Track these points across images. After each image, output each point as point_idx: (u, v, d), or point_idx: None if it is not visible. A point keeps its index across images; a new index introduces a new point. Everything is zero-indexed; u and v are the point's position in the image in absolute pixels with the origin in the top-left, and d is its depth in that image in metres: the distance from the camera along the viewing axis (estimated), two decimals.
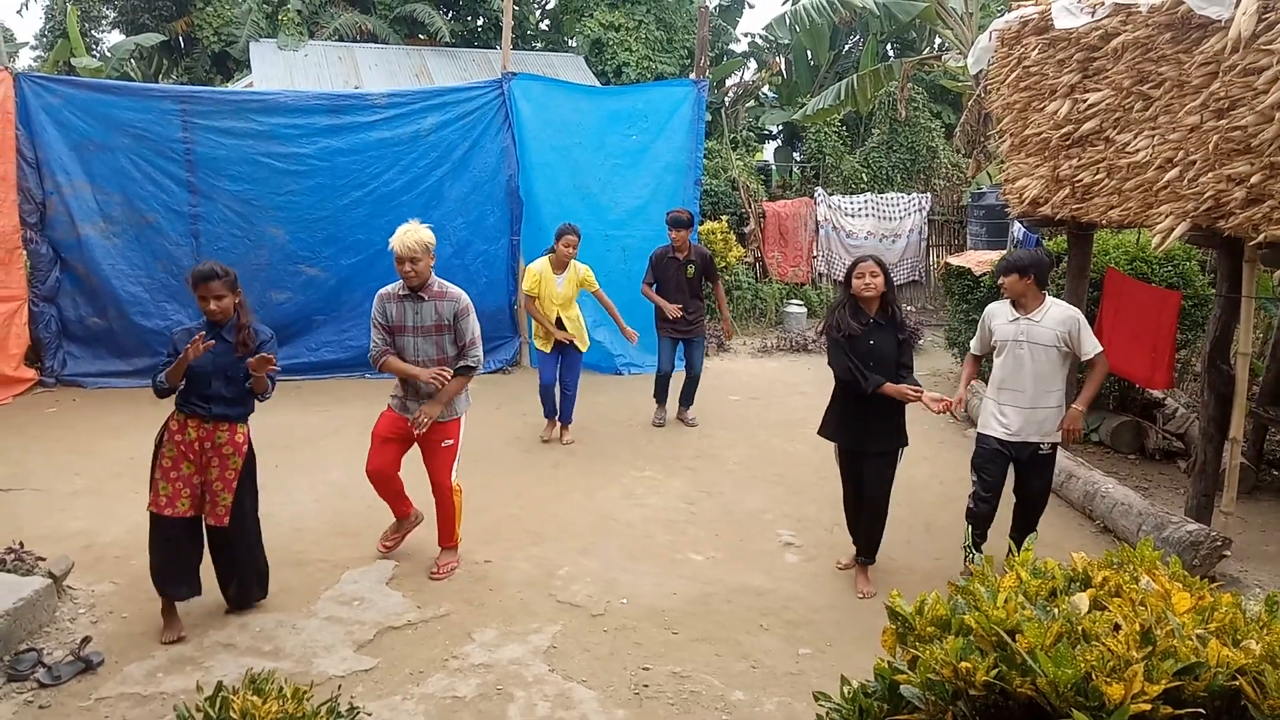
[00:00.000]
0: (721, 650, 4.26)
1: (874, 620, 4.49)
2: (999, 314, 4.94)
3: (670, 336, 7.78)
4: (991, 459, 4.83)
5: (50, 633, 4.18)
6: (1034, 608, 2.01)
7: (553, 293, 7.07)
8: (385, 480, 5.07)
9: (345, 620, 4.41)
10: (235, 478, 4.26)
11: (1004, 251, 9.52)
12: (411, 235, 4.70)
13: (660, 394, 7.99)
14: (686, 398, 7.98)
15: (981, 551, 4.84)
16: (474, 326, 4.91)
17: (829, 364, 4.89)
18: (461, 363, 4.90)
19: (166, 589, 4.24)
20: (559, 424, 7.42)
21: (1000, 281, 4.89)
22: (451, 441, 5.01)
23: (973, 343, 5.22)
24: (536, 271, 7.09)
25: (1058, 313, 4.79)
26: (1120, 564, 2.31)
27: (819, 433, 5.03)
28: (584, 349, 7.32)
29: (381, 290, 4.91)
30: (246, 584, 4.45)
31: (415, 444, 5.00)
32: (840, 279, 13.54)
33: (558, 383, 7.37)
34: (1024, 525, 4.94)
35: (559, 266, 7.08)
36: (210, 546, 4.35)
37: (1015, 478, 4.94)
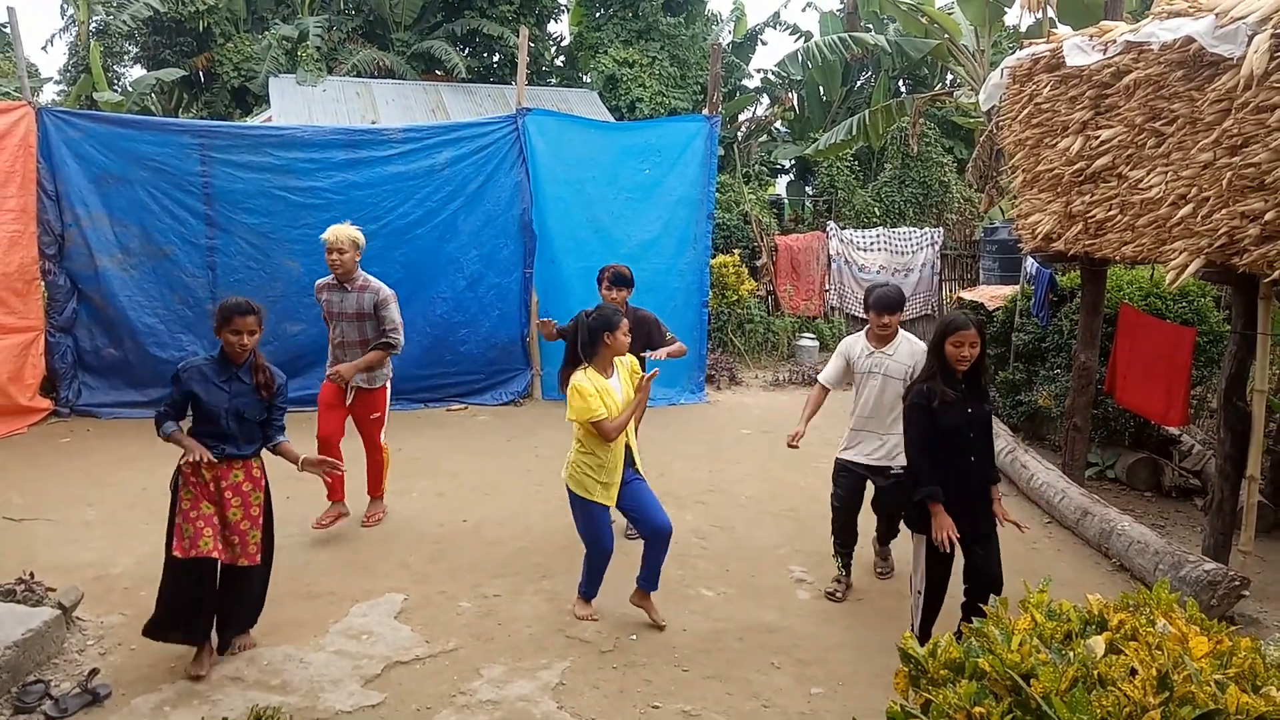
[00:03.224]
0: (732, 689, 4.21)
1: (887, 661, 4.44)
2: (855, 347, 5.24)
3: None
4: (846, 473, 5.25)
5: (58, 664, 4.17)
6: (1049, 651, 1.98)
7: (617, 404, 4.53)
8: (331, 447, 5.73)
9: (353, 654, 4.38)
10: (261, 513, 4.26)
11: (1016, 287, 9.51)
12: (342, 229, 5.73)
13: None
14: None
15: (851, 561, 5.32)
16: (394, 315, 5.79)
17: (904, 447, 4.36)
18: (381, 340, 5.76)
19: (175, 633, 4.11)
20: (641, 589, 4.83)
21: (886, 320, 5.07)
22: (379, 414, 5.95)
23: (826, 374, 5.37)
24: (589, 387, 4.44)
25: (907, 347, 5.13)
26: (1137, 606, 2.28)
27: (915, 530, 4.38)
28: (607, 500, 4.66)
29: (319, 280, 5.95)
30: (245, 622, 4.37)
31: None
32: (851, 313, 13.66)
33: (622, 529, 5.65)
34: (886, 532, 5.49)
35: (607, 368, 4.60)
36: (225, 583, 4.20)
37: (875, 494, 5.34)
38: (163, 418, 4.12)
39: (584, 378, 4.49)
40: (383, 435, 6.00)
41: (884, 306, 5.08)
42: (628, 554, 5.74)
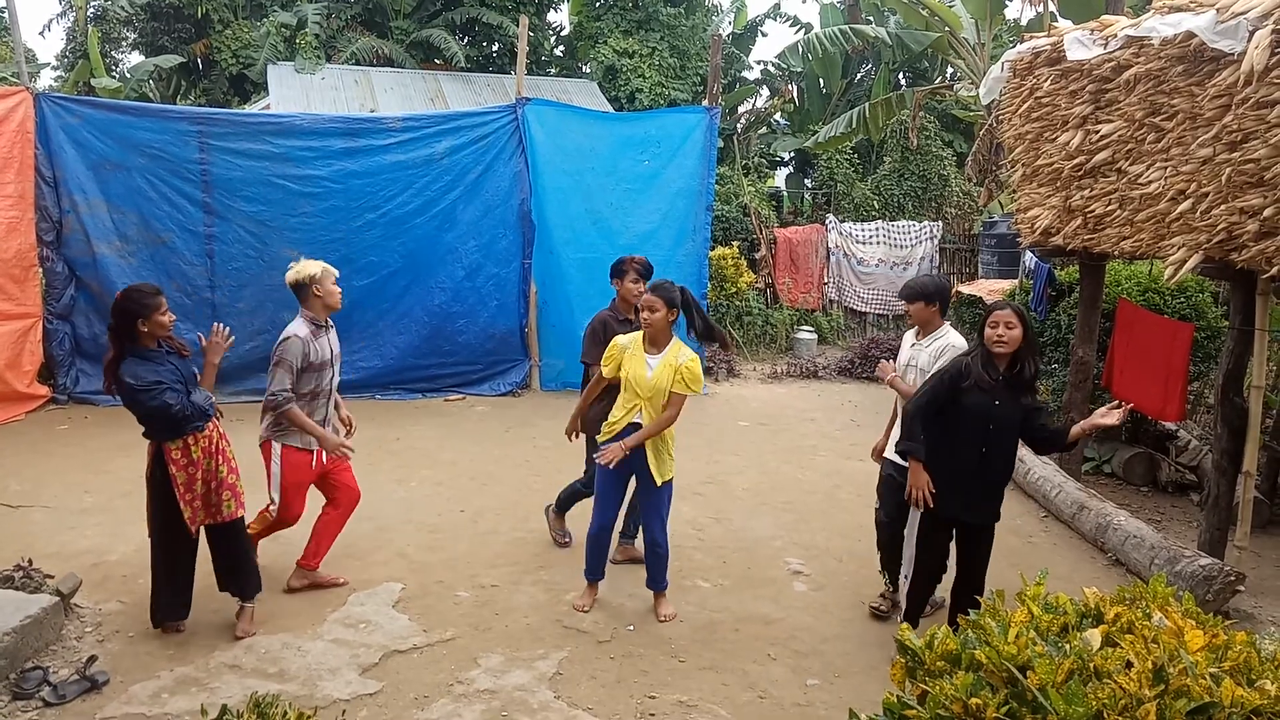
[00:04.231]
0: (728, 680, 4.22)
1: (883, 652, 4.47)
2: (906, 339, 4.99)
3: (594, 433, 5.10)
4: (893, 484, 4.71)
5: (57, 651, 4.18)
6: (1045, 644, 1.99)
7: (640, 378, 4.56)
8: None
9: (351, 643, 4.39)
10: (236, 463, 4.44)
11: (1015, 281, 9.52)
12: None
13: (568, 502, 5.63)
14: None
15: (896, 573, 4.78)
16: (270, 376, 4.79)
17: (908, 402, 4.31)
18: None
19: (177, 615, 4.38)
20: (655, 592, 4.89)
21: (908, 308, 4.85)
22: (266, 467, 4.86)
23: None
24: (620, 344, 4.70)
25: (940, 342, 4.73)
26: (1133, 600, 2.29)
27: (913, 504, 4.30)
28: (660, 481, 4.68)
29: (298, 333, 4.64)
30: (254, 580, 4.50)
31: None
32: (850, 306, 13.66)
33: (622, 527, 5.06)
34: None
35: (653, 343, 4.64)
36: (220, 544, 4.40)
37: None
38: (184, 398, 4.09)
39: (626, 337, 4.74)
40: (272, 494, 4.80)
41: (904, 295, 4.90)
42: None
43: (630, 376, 4.58)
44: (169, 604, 4.35)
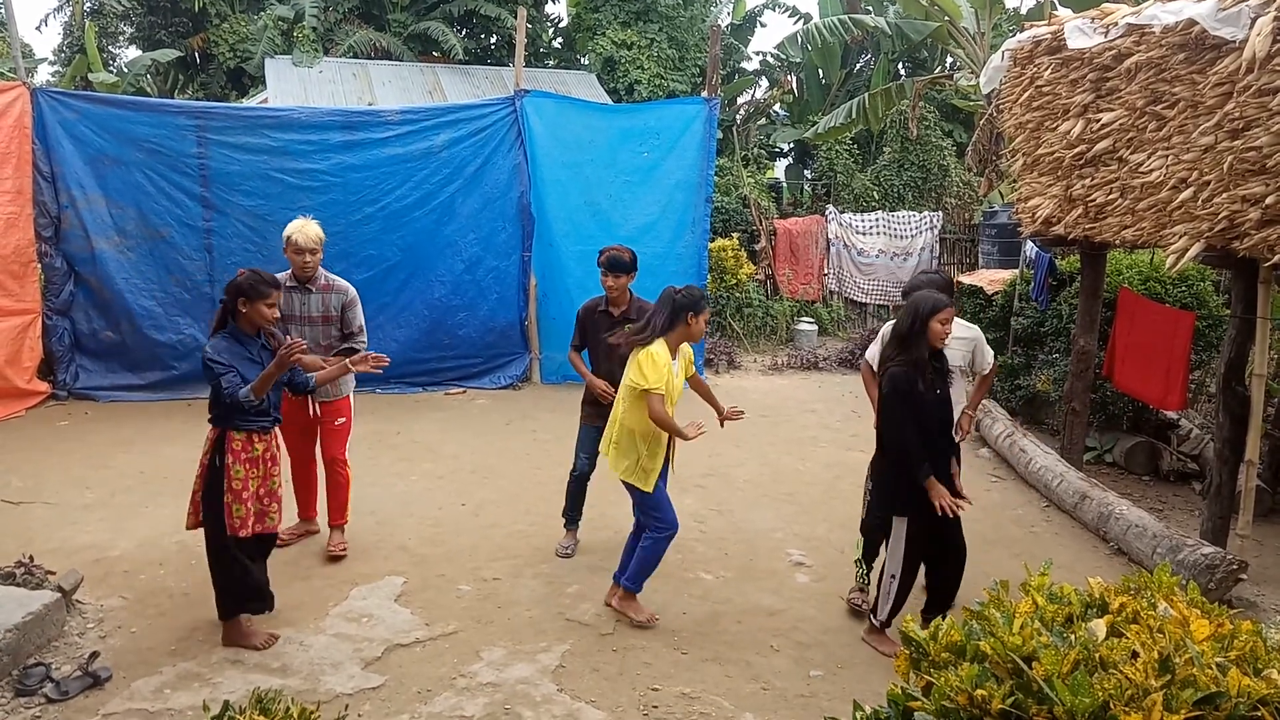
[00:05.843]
0: (731, 671, 4.22)
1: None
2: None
3: (592, 423, 5.39)
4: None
5: (59, 647, 4.18)
6: (1050, 634, 1.98)
7: (674, 388, 4.55)
8: (310, 475, 5.47)
9: (353, 637, 4.39)
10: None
11: (1016, 271, 9.50)
12: (312, 229, 5.07)
13: (572, 507, 5.58)
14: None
15: (871, 567, 4.81)
16: (360, 317, 5.31)
17: (887, 431, 4.33)
18: (347, 344, 5.24)
19: (253, 604, 4.29)
20: (622, 587, 4.77)
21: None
22: (344, 420, 5.35)
23: (872, 353, 4.98)
24: (663, 358, 4.45)
25: (961, 333, 4.79)
26: (1138, 589, 2.28)
27: (896, 514, 4.35)
28: (648, 487, 4.61)
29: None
30: None
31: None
32: (850, 297, 13.65)
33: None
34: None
35: (674, 348, 4.57)
36: (256, 552, 4.35)
37: None
38: (236, 387, 3.94)
39: (660, 348, 4.45)
40: (346, 449, 5.39)
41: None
42: (624, 537, 5.74)
43: (670, 392, 4.48)
44: (240, 594, 4.20)
